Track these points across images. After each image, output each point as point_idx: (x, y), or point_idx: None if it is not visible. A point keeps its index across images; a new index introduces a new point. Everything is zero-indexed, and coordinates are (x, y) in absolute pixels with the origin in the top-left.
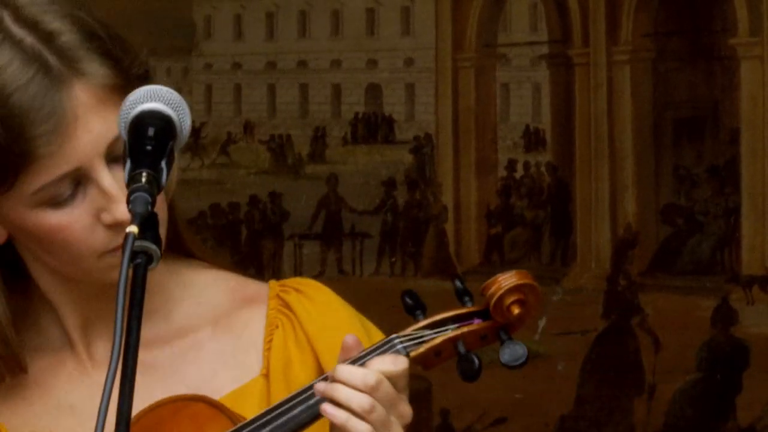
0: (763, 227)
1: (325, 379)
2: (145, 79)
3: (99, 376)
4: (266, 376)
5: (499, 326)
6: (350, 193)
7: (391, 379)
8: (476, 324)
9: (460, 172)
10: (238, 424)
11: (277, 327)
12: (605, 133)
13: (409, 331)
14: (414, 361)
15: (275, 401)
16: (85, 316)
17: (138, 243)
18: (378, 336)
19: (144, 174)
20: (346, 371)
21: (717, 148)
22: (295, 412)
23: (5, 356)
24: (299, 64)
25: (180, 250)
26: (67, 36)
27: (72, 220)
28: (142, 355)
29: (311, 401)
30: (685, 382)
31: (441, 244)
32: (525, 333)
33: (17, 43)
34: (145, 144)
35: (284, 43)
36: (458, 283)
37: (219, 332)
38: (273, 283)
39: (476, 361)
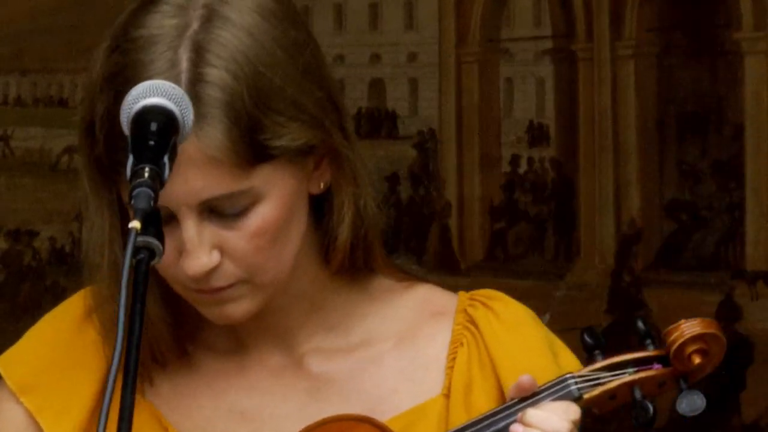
0: (767, 222)
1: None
2: (299, 153)
3: (273, 385)
4: (447, 396)
5: (679, 374)
6: None
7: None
8: (656, 370)
9: (464, 168)
10: None
11: (461, 344)
12: (609, 128)
13: (585, 371)
14: (586, 403)
15: (453, 424)
16: (259, 324)
17: (140, 239)
18: (568, 358)
19: (146, 169)
20: (538, 418)
21: (721, 144)
22: None
23: (165, 339)
24: None
25: (369, 264)
26: (213, 90)
27: None
28: (321, 367)
29: None
30: None
31: (444, 239)
32: None
33: (170, 61)
34: (148, 139)
35: None
36: (641, 324)
37: (402, 346)
38: (462, 294)
39: (651, 408)
